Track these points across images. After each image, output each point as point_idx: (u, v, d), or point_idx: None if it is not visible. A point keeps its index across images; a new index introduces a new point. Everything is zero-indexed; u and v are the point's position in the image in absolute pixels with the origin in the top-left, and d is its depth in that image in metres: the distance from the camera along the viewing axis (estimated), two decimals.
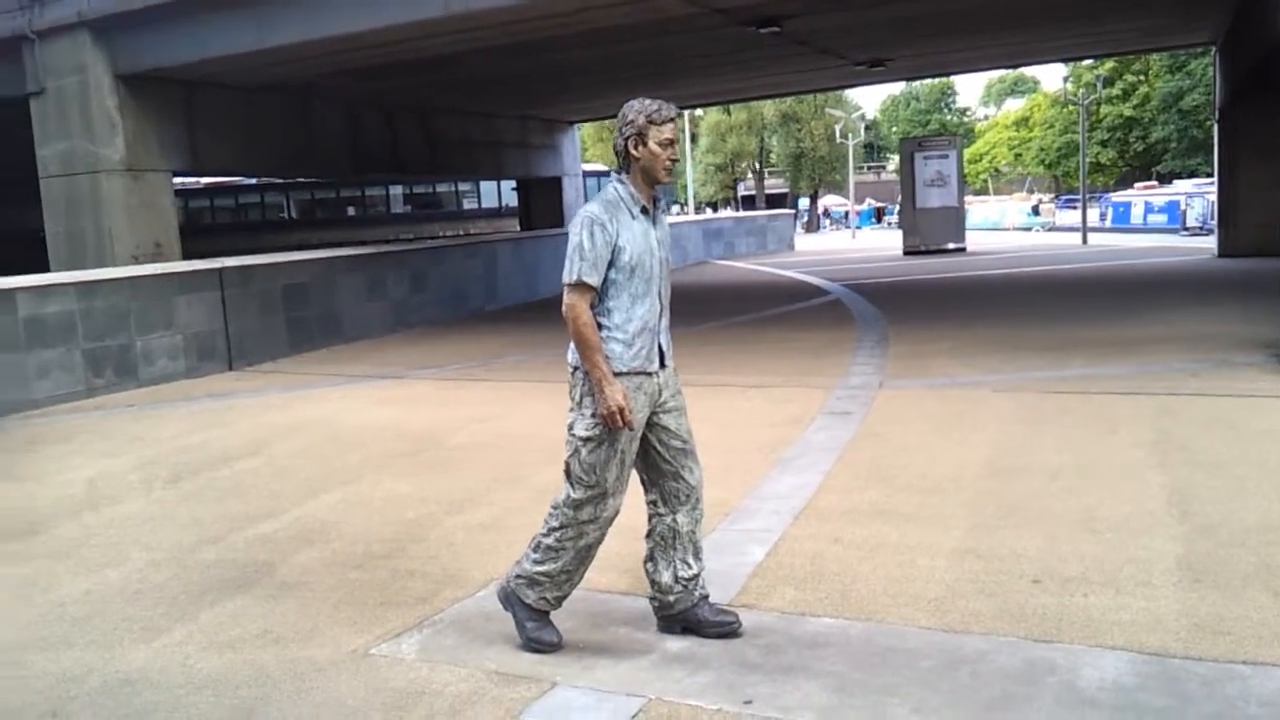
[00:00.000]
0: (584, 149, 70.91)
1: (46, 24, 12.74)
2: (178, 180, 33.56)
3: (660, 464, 3.71)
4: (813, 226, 56.59)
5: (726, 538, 4.89)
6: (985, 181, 71.12)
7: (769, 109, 53.10)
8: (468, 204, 37.43)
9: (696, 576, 3.76)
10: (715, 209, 61.68)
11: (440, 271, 15.45)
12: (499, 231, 30.07)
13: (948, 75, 59.04)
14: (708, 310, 15.16)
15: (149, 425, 8.56)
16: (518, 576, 3.75)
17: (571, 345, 3.59)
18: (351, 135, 17.37)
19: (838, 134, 51.18)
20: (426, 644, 3.86)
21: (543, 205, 24.52)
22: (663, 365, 3.65)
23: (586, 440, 3.55)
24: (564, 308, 3.50)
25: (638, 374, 3.56)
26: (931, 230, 25.86)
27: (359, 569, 4.75)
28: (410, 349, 12.66)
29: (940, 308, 14.32)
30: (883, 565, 4.39)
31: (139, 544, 5.29)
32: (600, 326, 3.54)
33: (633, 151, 3.54)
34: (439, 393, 9.30)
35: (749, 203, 63.17)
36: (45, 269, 12.30)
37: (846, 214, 49.03)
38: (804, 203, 60.61)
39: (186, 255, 13.64)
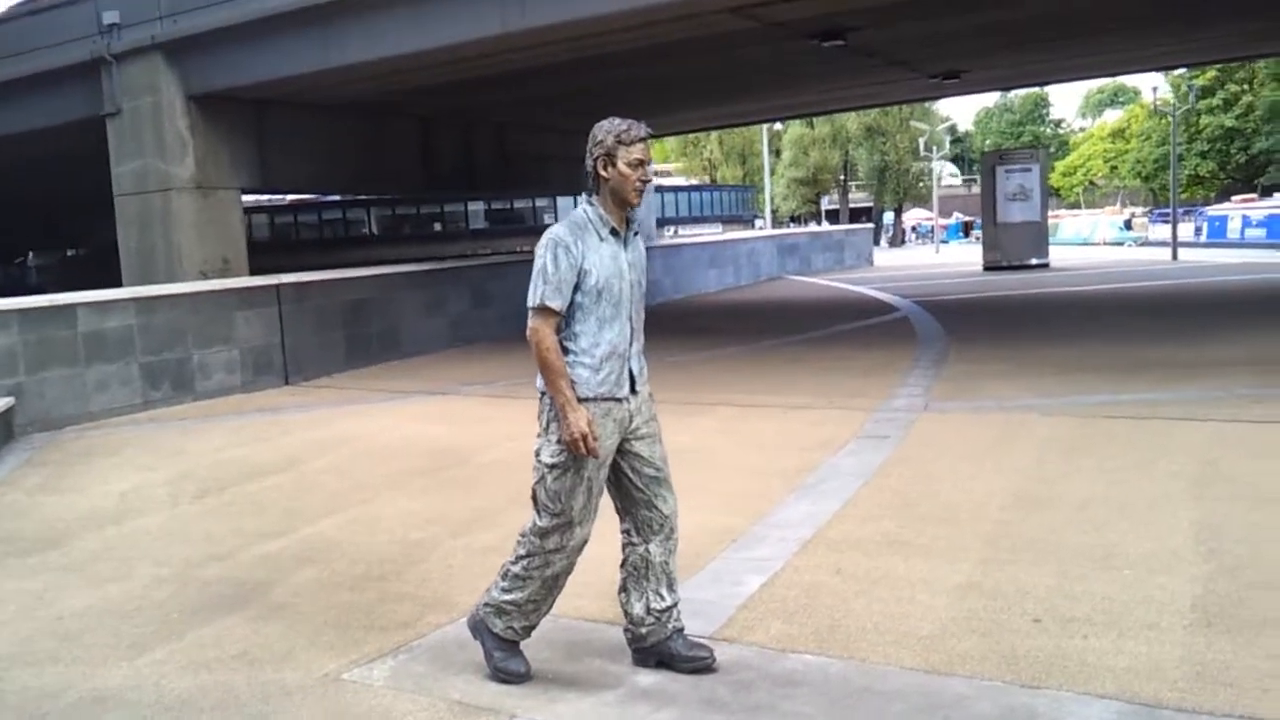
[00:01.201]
0: (669, 162, 71.42)
1: (123, 47, 13.16)
2: (264, 197, 34.63)
3: (633, 492, 3.61)
4: (897, 241, 55.80)
5: (726, 566, 4.75)
6: (1079, 195, 69.38)
7: (852, 122, 52.49)
8: (546, 219, 37.74)
9: (670, 609, 3.65)
10: (804, 222, 61.26)
11: (502, 287, 15.52)
12: None
13: (1028, 87, 57.84)
14: (768, 328, 15.00)
15: (193, 439, 8.72)
16: (486, 605, 3.68)
17: None
18: (423, 152, 17.59)
19: (921, 147, 50.35)
20: (398, 671, 3.81)
21: None
22: (634, 391, 3.55)
23: (552, 467, 3.47)
24: (528, 331, 3.43)
25: (606, 400, 3.47)
26: (1013, 245, 25.26)
27: (352, 590, 4.72)
28: (465, 365, 12.73)
29: (1008, 326, 13.92)
30: (879, 600, 4.22)
31: (149, 559, 5.35)
32: (567, 351, 3.46)
33: (601, 173, 3.46)
34: (481, 409, 9.31)
35: (833, 217, 62.59)
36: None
37: (932, 228, 48.15)
38: (888, 217, 59.81)
39: (272, 270, 13.92)
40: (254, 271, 13.68)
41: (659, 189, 49.01)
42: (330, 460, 7.58)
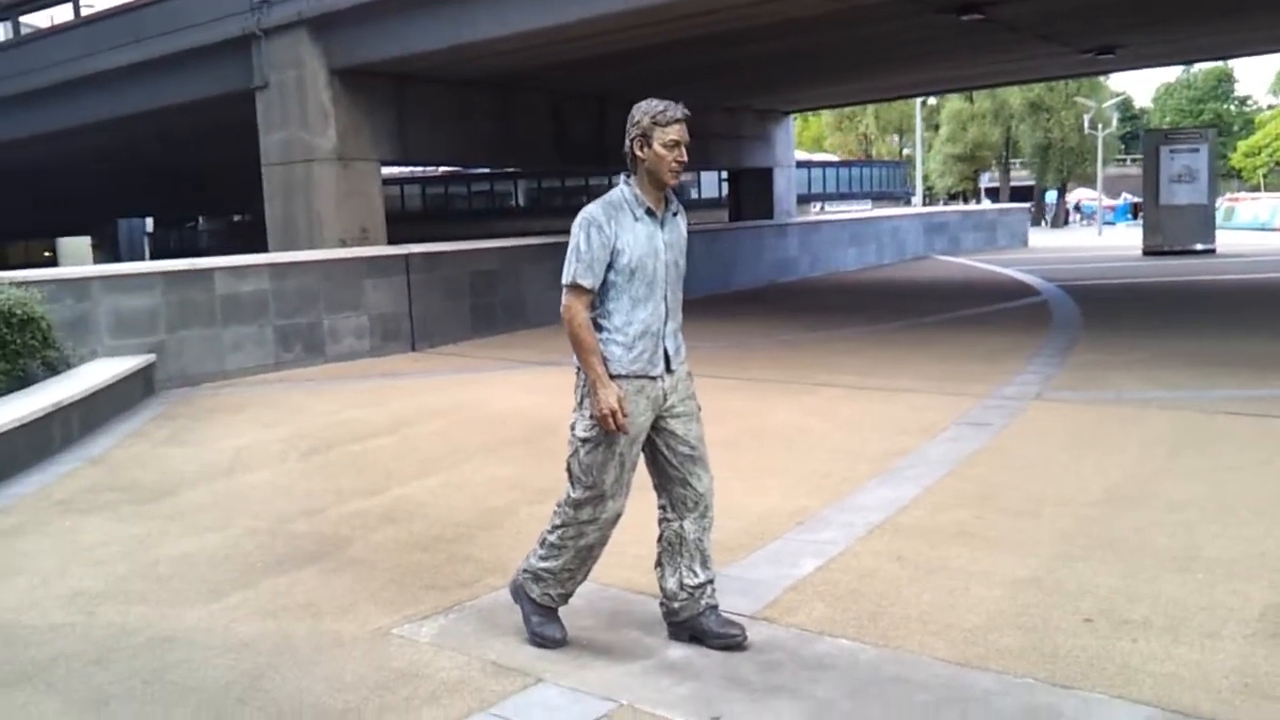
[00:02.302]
0: (821, 138, 70.25)
1: (271, 22, 13.77)
2: (417, 169, 35.72)
3: (668, 469, 3.64)
4: (1059, 221, 53.57)
5: (786, 547, 4.73)
6: (1261, 177, 65.08)
7: (1015, 97, 50.49)
8: (692, 193, 37.73)
9: (703, 585, 3.67)
10: (967, 200, 59.40)
11: None
12: (717, 222, 30.11)
13: (1199, 61, 54.36)
14: (897, 309, 14.69)
15: (314, 400, 9.14)
16: (525, 571, 3.78)
17: None
18: (555, 127, 17.83)
19: (1086, 123, 48.03)
20: (445, 629, 3.95)
21: (754, 196, 24.38)
22: (669, 369, 3.57)
23: (585, 441, 3.53)
24: (561, 308, 3.49)
25: (639, 377, 3.50)
26: (1175, 229, 23.93)
27: (424, 551, 4.90)
28: None
29: (1152, 314, 13.24)
30: (932, 589, 4.13)
31: (248, 512, 5.67)
32: (600, 328, 3.50)
33: (638, 153, 3.49)
34: None
35: (994, 195, 60.50)
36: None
37: (1096, 209, 45.98)
38: (1051, 196, 57.43)
39: (423, 238, 14.39)
40: (406, 240, 14.11)
41: (804, 165, 48.34)
42: (436, 425, 7.83)
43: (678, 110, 3.47)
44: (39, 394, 7.48)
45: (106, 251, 41.54)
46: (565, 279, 3.47)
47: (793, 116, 24.95)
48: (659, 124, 3.44)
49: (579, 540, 3.63)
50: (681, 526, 3.66)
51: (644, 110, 3.48)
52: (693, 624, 3.68)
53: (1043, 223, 54.01)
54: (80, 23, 17.86)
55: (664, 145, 3.44)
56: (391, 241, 13.92)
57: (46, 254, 44.51)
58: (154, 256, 40.03)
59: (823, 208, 45.28)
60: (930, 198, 61.90)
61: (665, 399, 3.57)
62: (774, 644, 3.68)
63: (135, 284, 9.81)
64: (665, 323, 3.55)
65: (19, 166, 24.87)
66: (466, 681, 3.48)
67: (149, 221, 44.83)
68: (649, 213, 3.50)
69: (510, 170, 34.83)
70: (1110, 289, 16.89)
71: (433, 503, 5.72)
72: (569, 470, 3.61)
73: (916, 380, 8.81)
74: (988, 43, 15.35)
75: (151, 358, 9.69)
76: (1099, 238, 37.51)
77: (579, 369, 3.57)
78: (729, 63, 16.37)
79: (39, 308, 8.17)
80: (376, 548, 4.98)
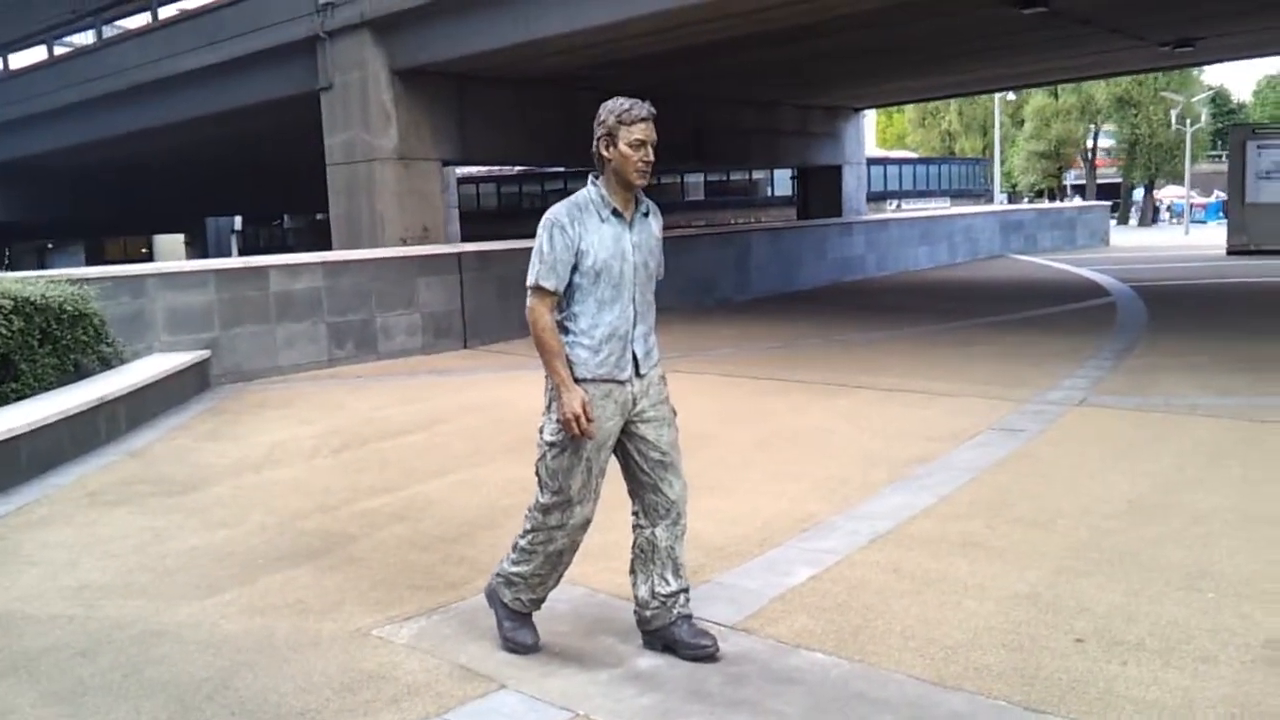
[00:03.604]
0: (904, 135, 69.18)
1: (336, 24, 14.03)
2: (494, 169, 36.13)
3: (639, 475, 3.59)
4: (1146, 219, 51.98)
5: (784, 555, 4.64)
6: None
7: (1101, 92, 49.14)
8: (762, 192, 37.48)
9: (675, 594, 3.61)
10: (1051, 197, 58.03)
11: (685, 261, 15.57)
12: (787, 220, 29.90)
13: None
14: (959, 309, 14.41)
15: (356, 397, 9.27)
16: (498, 575, 3.76)
17: None
18: None
19: (1173, 119, 46.49)
20: (424, 631, 3.95)
21: (822, 194, 24.15)
22: (639, 374, 3.52)
23: (551, 446, 3.50)
24: (526, 310, 3.46)
25: (606, 381, 3.46)
26: (1262, 228, 23.03)
27: (423, 550, 4.92)
28: None
29: (1222, 317, 12.76)
30: (922, 603, 4.01)
31: (264, 507, 5.76)
32: (567, 331, 3.46)
33: (604, 153, 3.44)
34: None
35: (1079, 193, 58.99)
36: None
37: (1186, 207, 44.53)
38: (1138, 194, 55.76)
39: (497, 236, 14.51)
40: (481, 238, 14.24)
41: (879, 162, 47.59)
42: (465, 423, 7.88)
43: (644, 109, 3.42)
44: (86, 388, 7.70)
45: (197, 248, 42.91)
46: (529, 281, 3.44)
47: (863, 113, 24.63)
48: (624, 123, 3.40)
49: (548, 546, 3.60)
50: (653, 534, 3.60)
51: (609, 109, 3.44)
52: (665, 633, 3.62)
53: (1131, 221, 52.48)
54: (160, 26, 18.42)
55: (629, 145, 3.39)
56: (465, 239, 14.09)
57: (143, 250, 46.13)
58: (242, 253, 41.14)
59: (899, 205, 44.63)
60: (1014, 196, 60.62)
61: (635, 404, 3.52)
62: (747, 656, 3.61)
63: (190, 281, 10.06)
64: (634, 326, 3.50)
65: (113, 166, 25.77)
66: (430, 685, 3.47)
67: (237, 220, 46.12)
68: (616, 214, 3.45)
69: (584, 170, 34.97)
70: (1184, 290, 16.32)
71: (445, 501, 5.75)
72: (537, 475, 3.59)
73: (959, 383, 8.61)
74: (1057, 37, 14.96)
75: (206, 354, 9.94)
76: (1185, 237, 36.33)
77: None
78: (793, 59, 16.21)
79: (92, 304, 8.41)
80: (378, 546, 5.01)
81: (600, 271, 3.40)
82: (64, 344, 7.88)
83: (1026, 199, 58.27)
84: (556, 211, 3.42)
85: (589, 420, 3.38)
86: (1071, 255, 25.59)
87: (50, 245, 40.12)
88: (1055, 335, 11.46)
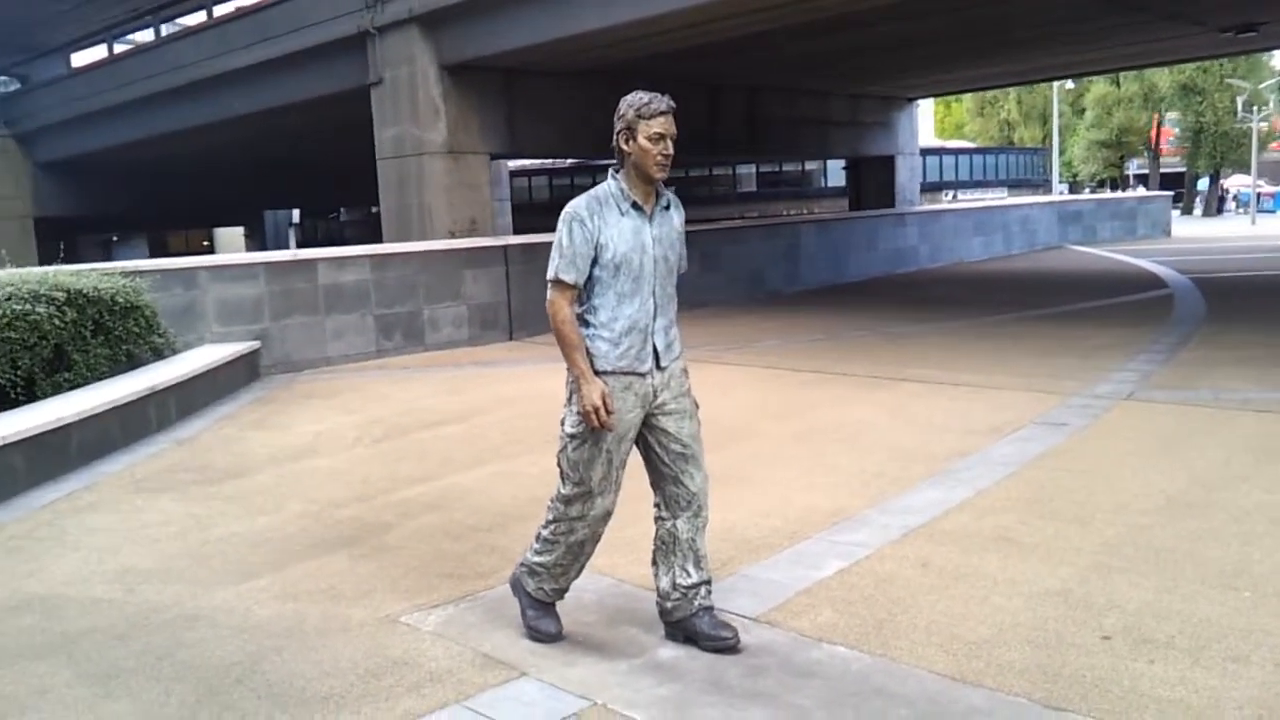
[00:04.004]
0: (963, 124, 68.23)
1: (385, 20, 14.17)
2: (547, 161, 36.25)
3: (660, 467, 3.60)
4: (1211, 209, 50.75)
5: (814, 548, 4.62)
6: None
7: (1164, 79, 48.03)
8: (815, 183, 37.20)
9: (696, 586, 3.61)
10: (1114, 187, 56.99)
11: (734, 252, 15.53)
12: (840, 210, 29.66)
13: None
14: (1011, 301, 14.22)
15: (401, 388, 9.38)
16: (522, 565, 3.79)
17: None
18: None
19: (1239, 107, 45.27)
20: (451, 619, 4.00)
21: (874, 185, 23.93)
22: (659, 366, 3.53)
23: (572, 438, 3.52)
24: (546, 303, 3.48)
25: (625, 374, 3.47)
26: None
27: (456, 539, 4.98)
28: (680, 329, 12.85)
29: None
30: (949, 598, 3.97)
31: (303, 496, 5.85)
32: (587, 324, 3.48)
33: (624, 147, 3.45)
34: None
35: (1142, 182, 57.79)
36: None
37: (1253, 197, 43.40)
38: (1203, 183, 54.45)
39: (549, 229, 14.57)
40: (533, 230, 14.27)
41: (935, 152, 46.97)
42: (505, 415, 7.94)
43: (663, 102, 3.42)
44: (137, 378, 7.88)
45: (255, 241, 43.65)
46: (549, 274, 3.46)
47: (917, 103, 24.34)
48: (643, 116, 3.40)
49: (569, 536, 3.62)
50: (675, 526, 3.61)
51: (629, 103, 3.44)
52: (686, 625, 3.63)
53: (1196, 211, 51.29)
54: (214, 24, 18.73)
55: (648, 138, 3.39)
56: (518, 231, 14.13)
57: (205, 243, 47.04)
58: (299, 246, 41.74)
59: (955, 196, 44.06)
60: (1075, 186, 59.53)
61: (656, 396, 3.53)
62: (768, 648, 3.61)
63: (240, 274, 10.24)
64: (654, 319, 3.51)
65: (173, 160, 26.24)
66: (453, 672, 3.52)
67: (295, 213, 46.83)
68: (636, 207, 3.45)
69: None
70: (1245, 282, 15.93)
71: (480, 491, 5.80)
72: (559, 466, 3.61)
73: (1006, 376, 8.49)
74: (1112, 24, 14.68)
75: (256, 344, 10.12)
76: (1251, 227, 35.42)
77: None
78: (843, 48, 16.08)
79: (144, 296, 8.60)
80: (412, 534, 5.08)
81: (620, 265, 3.41)
82: (116, 335, 8.06)
83: (1088, 189, 57.21)
84: (576, 205, 3.44)
85: (609, 412, 3.39)
86: (1131, 246, 25.09)
87: (115, 238, 41.08)
88: (1108, 328, 11.26)
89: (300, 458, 6.80)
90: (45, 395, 7.12)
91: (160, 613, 4.17)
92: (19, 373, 6.89)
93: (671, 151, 3.44)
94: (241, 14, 17.74)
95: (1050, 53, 18.38)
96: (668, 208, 3.57)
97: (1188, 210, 51.61)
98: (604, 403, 3.38)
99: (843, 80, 19.99)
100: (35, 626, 4.08)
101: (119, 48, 23.73)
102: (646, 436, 3.58)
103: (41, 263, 9.15)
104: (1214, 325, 11.02)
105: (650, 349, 3.50)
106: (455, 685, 3.42)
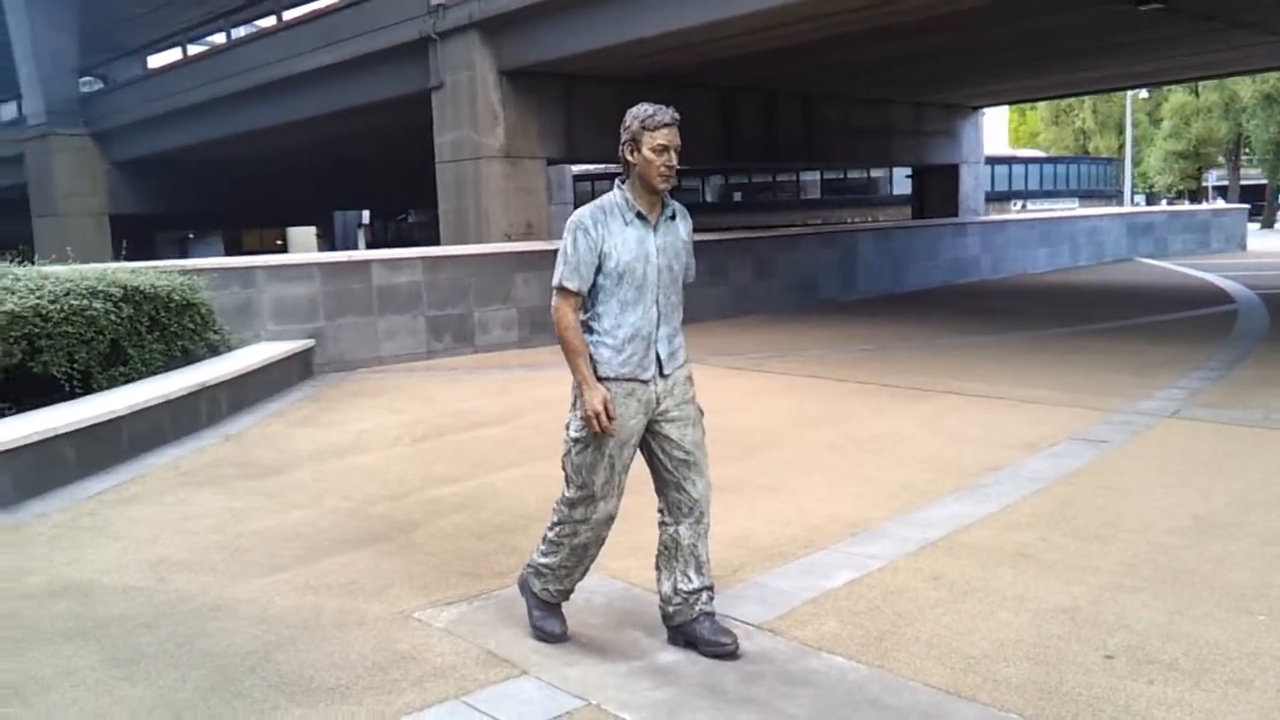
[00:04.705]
0: (1037, 133, 67.10)
1: (446, 26, 14.40)
2: (608, 166, 36.50)
3: (662, 473, 3.66)
4: None
5: (828, 558, 4.64)
6: None
7: (1246, 89, 46.77)
8: (881, 190, 36.91)
9: (698, 592, 3.66)
10: (1191, 199, 55.67)
11: (788, 259, 15.50)
12: (903, 219, 29.39)
13: None
14: (1069, 314, 14.01)
15: (447, 388, 9.54)
16: (528, 566, 3.87)
17: None
18: (723, 123, 17.86)
19: None
20: (463, 617, 4.09)
21: (938, 194, 23.70)
22: (663, 374, 3.58)
23: (576, 442, 3.59)
24: (551, 310, 3.56)
25: (628, 380, 3.53)
26: None
27: (479, 539, 5.08)
28: (728, 335, 12.90)
29: None
30: (956, 613, 3.97)
31: (338, 493, 6.00)
32: (591, 331, 3.56)
33: (628, 158, 3.51)
34: (710, 380, 9.38)
35: (1221, 194, 56.32)
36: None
37: None
38: None
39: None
40: None
41: (1004, 161, 46.26)
42: (543, 417, 8.04)
43: (667, 114, 3.48)
44: (190, 373, 8.13)
45: (326, 241, 44.50)
46: (553, 281, 3.54)
47: (982, 112, 24.06)
48: (647, 128, 3.46)
49: (573, 539, 3.69)
50: (677, 531, 3.66)
51: (634, 114, 3.51)
52: (687, 629, 3.68)
53: (1276, 225, 49.83)
54: (283, 28, 19.18)
55: (652, 150, 3.45)
56: None
57: (278, 241, 48.09)
58: (370, 246, 42.46)
59: (1023, 206, 43.37)
60: (1151, 197, 58.23)
61: (658, 403, 3.58)
62: (767, 655, 3.64)
63: (295, 274, 10.50)
64: (657, 327, 3.56)
65: (246, 160, 26.90)
66: (457, 668, 3.61)
67: (365, 214, 47.63)
68: (640, 217, 3.52)
69: (694, 168, 35.00)
70: None
71: (509, 493, 5.90)
72: (564, 469, 3.68)
73: (1050, 390, 8.39)
74: (1179, 34, 14.40)
75: (310, 343, 10.36)
76: None
77: None
78: (904, 56, 15.98)
79: (200, 293, 8.86)
80: (437, 533, 5.19)
81: (623, 273, 3.48)
82: (171, 331, 8.32)
83: (1165, 200, 55.93)
84: (581, 214, 3.51)
85: (610, 418, 3.46)
86: (1203, 260, 24.52)
87: (191, 236, 42.15)
88: (1165, 343, 11.04)
89: (342, 455, 6.97)
90: (101, 389, 7.38)
91: (188, 602, 4.33)
92: (75, 366, 7.15)
93: (675, 163, 3.49)
94: (307, 19, 18.14)
95: (1116, 63, 18.07)
96: (673, 217, 3.62)
97: (1268, 224, 50.20)
98: (605, 409, 3.45)
99: (904, 88, 19.84)
100: (69, 611, 4.25)
101: (193, 50, 24.37)
102: (650, 443, 3.64)
103: (116, 259, 9.47)
104: (1275, 344, 10.76)
105: (653, 356, 3.56)
106: (457, 681, 3.51)
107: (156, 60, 28.26)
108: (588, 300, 3.55)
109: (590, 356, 3.53)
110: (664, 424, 3.60)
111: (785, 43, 13.71)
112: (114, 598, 4.40)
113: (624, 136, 3.51)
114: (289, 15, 19.91)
